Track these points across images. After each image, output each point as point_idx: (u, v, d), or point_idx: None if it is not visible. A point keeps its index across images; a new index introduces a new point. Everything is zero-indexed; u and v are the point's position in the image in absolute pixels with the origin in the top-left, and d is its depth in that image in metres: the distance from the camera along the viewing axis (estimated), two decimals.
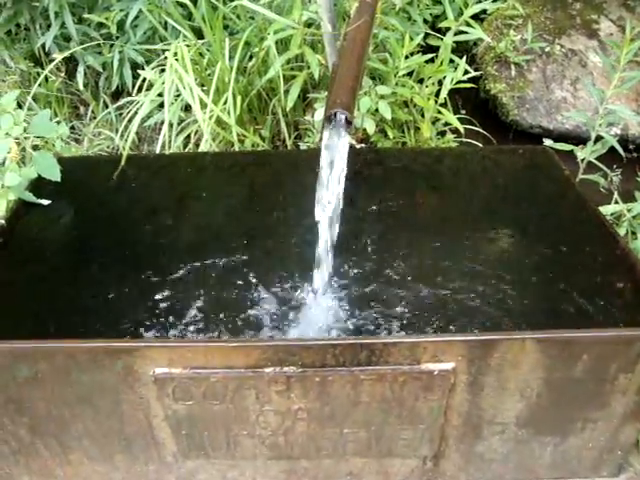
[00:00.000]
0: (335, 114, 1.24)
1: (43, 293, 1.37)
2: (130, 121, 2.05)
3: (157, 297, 1.35)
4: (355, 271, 1.41)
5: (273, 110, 2.19)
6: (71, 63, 2.47)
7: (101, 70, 2.40)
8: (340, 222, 1.29)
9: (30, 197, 1.58)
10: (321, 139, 1.27)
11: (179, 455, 1.35)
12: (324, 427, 1.28)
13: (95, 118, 2.46)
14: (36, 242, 1.52)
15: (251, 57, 2.14)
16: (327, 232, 1.27)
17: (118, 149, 2.27)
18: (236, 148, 2.01)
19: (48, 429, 1.31)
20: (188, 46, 1.98)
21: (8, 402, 1.25)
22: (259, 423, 1.26)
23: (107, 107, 2.45)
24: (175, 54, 1.94)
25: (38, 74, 2.27)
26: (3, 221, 1.54)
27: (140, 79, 2.09)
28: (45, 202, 1.60)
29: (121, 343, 1.20)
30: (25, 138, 1.79)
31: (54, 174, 1.61)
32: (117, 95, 2.47)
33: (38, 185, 1.63)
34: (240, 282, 1.38)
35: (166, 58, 1.95)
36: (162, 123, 2.00)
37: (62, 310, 1.32)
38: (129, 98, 2.23)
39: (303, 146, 2.12)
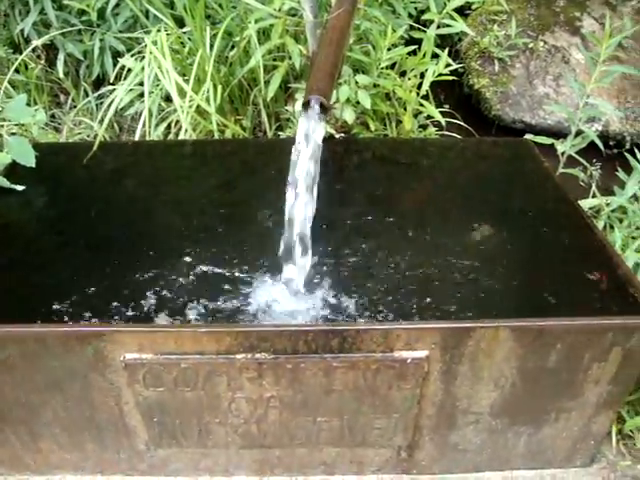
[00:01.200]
0: (312, 100, 1.23)
1: (14, 278, 1.34)
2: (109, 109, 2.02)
3: (130, 281, 1.33)
4: (332, 258, 1.40)
5: (254, 100, 2.18)
6: (52, 51, 2.44)
7: (82, 58, 2.37)
8: (315, 208, 1.28)
9: (4, 182, 1.56)
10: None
11: (151, 443, 1.33)
12: (297, 415, 1.27)
13: (75, 107, 2.43)
14: (8, 227, 1.49)
15: (233, 47, 2.12)
16: (302, 218, 1.26)
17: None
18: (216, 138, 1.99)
19: (17, 416, 1.30)
20: (168, 34, 1.96)
21: None
22: (231, 411, 1.25)
23: (88, 96, 2.43)
24: (155, 42, 1.92)
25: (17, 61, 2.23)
26: None
27: (118, 66, 2.07)
28: (19, 188, 1.58)
29: (91, 328, 1.18)
30: (1, 125, 1.76)
31: (29, 160, 1.60)
32: (98, 84, 2.44)
33: (13, 171, 1.61)
34: (214, 266, 1.37)
35: (146, 46, 1.93)
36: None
37: (33, 294, 1.30)
38: (110, 87, 2.21)
39: (284, 136, 2.10)
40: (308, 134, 1.25)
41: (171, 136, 2.11)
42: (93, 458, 1.39)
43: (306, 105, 1.24)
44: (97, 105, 2.39)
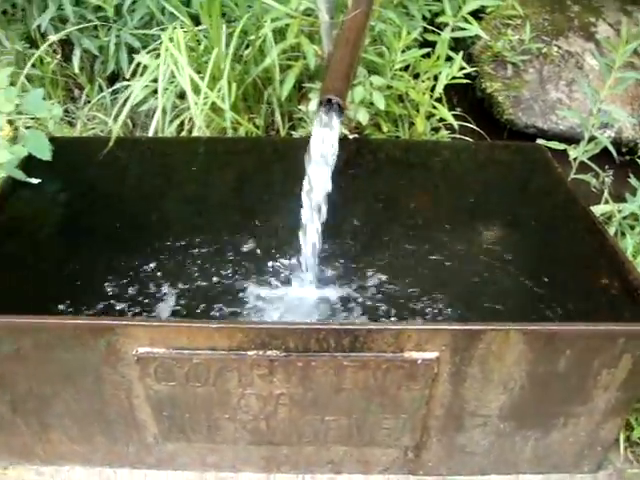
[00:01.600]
0: (328, 99, 1.24)
1: (28, 270, 1.36)
2: (125, 106, 2.04)
3: (145, 275, 1.34)
4: (342, 259, 1.41)
5: (268, 99, 2.18)
6: (67, 46, 2.45)
7: (97, 54, 2.39)
8: (328, 208, 1.29)
9: (20, 175, 1.57)
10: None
11: (159, 437, 1.34)
12: (306, 413, 1.27)
13: (90, 102, 2.44)
14: (23, 219, 1.51)
15: (248, 45, 2.13)
16: (315, 218, 1.27)
17: (111, 133, 2.25)
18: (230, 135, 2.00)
19: (29, 407, 1.31)
20: (185, 31, 1.97)
21: None
22: (241, 407, 1.25)
23: (102, 91, 2.44)
24: (171, 39, 1.93)
25: (33, 55, 2.25)
26: None
27: (134, 63, 2.08)
28: (35, 181, 1.59)
29: (105, 321, 1.19)
30: (18, 118, 1.78)
31: (45, 153, 1.61)
32: (113, 79, 2.45)
33: (29, 164, 1.62)
34: (228, 262, 1.38)
35: (162, 42, 1.94)
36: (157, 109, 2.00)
37: (48, 287, 1.31)
38: (124, 83, 2.22)
39: (297, 136, 2.11)
40: (323, 134, 1.26)
41: (184, 133, 2.12)
42: (102, 450, 1.40)
43: (322, 104, 1.25)
44: (111, 101, 2.40)
